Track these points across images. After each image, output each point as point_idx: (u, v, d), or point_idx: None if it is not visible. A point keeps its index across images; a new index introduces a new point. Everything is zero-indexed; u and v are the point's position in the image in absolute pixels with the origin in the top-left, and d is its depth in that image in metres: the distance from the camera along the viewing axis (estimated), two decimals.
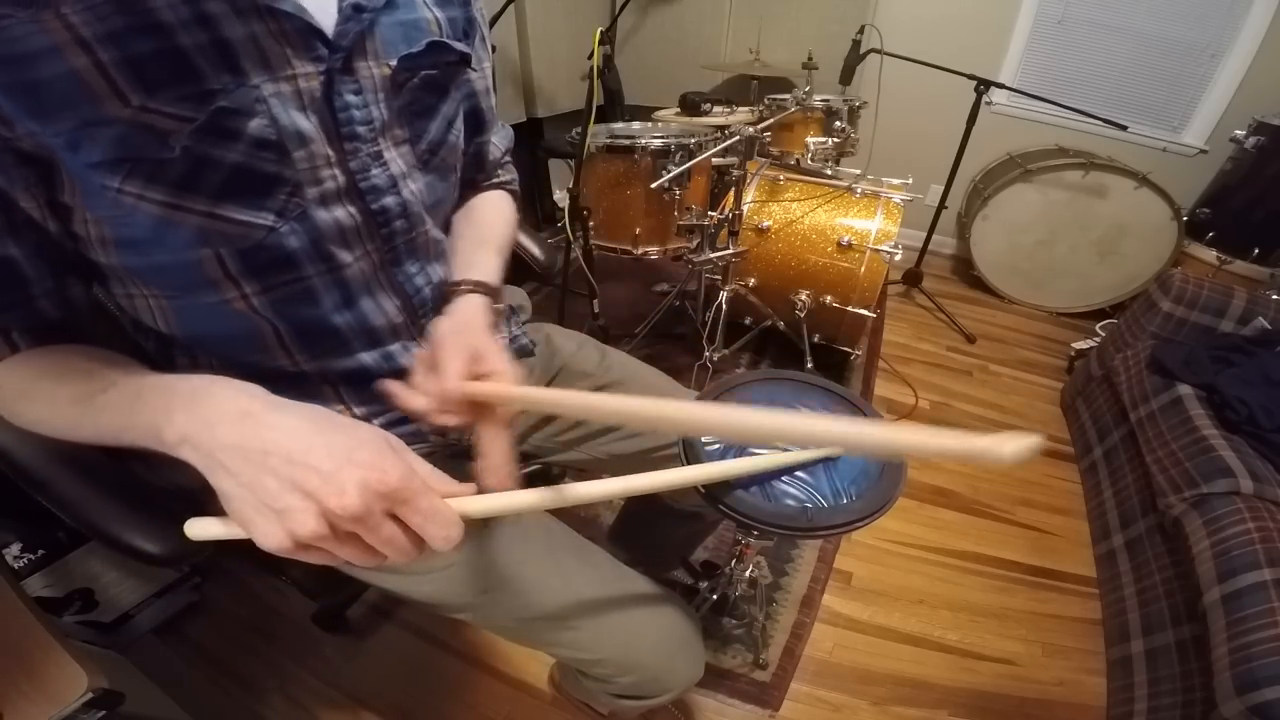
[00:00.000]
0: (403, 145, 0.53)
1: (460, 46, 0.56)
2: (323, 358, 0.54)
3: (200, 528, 0.36)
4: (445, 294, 0.59)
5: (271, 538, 0.33)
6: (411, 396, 0.48)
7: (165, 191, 0.41)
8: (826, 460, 0.58)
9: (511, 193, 0.77)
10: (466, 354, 0.49)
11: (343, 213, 0.50)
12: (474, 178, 0.73)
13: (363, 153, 0.50)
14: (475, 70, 0.62)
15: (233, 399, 0.37)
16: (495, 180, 0.75)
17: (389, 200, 0.52)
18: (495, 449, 0.46)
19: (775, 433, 0.47)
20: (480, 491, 0.40)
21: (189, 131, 0.40)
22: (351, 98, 0.48)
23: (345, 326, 0.53)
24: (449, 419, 0.47)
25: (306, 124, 0.45)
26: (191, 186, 0.42)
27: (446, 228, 0.64)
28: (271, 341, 0.51)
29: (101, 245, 0.45)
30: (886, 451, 0.52)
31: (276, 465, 0.34)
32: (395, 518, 0.36)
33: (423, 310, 0.59)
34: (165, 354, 0.53)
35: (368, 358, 0.56)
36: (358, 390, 0.57)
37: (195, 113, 0.40)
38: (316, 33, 0.44)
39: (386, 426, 0.61)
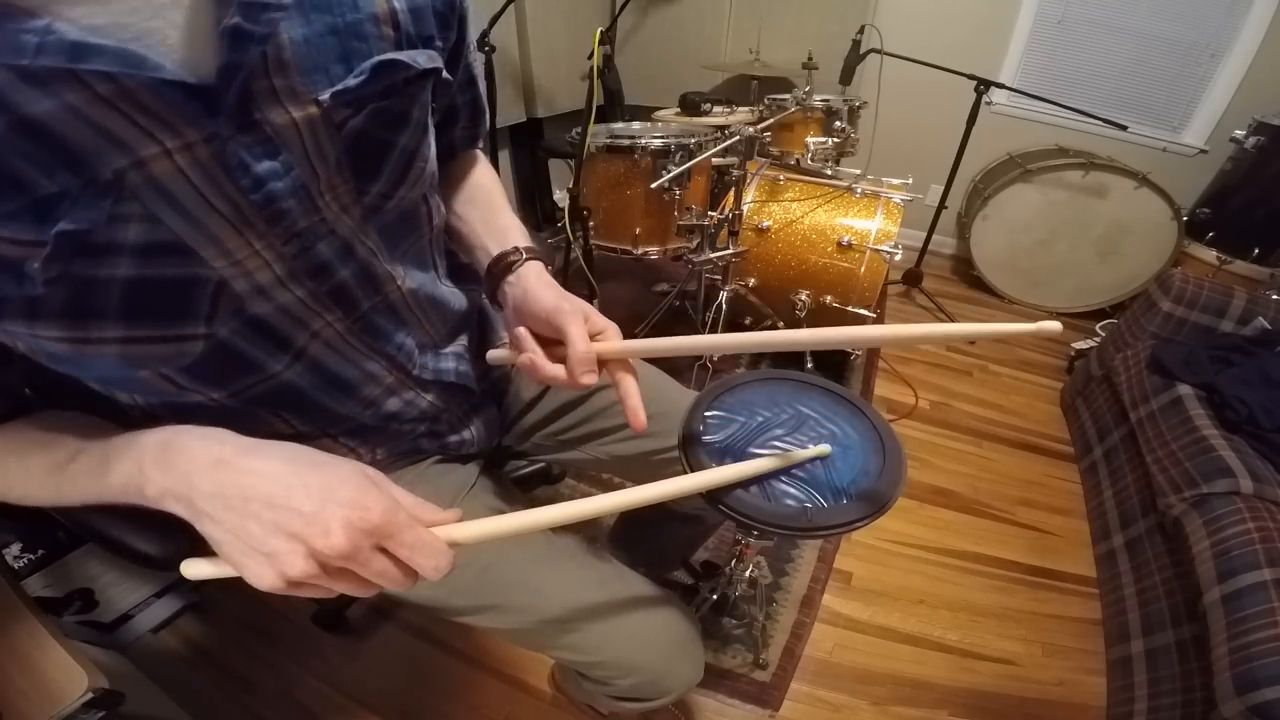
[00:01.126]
0: (345, 196, 0.43)
1: (423, 61, 0.43)
2: (322, 426, 0.53)
3: (196, 568, 0.36)
4: (504, 265, 0.56)
5: (264, 579, 0.33)
6: (547, 366, 0.50)
7: (58, 327, 0.33)
8: (821, 459, 0.58)
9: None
10: (581, 319, 0.49)
11: (289, 298, 0.42)
12: (467, 150, 0.69)
13: (300, 228, 0.40)
14: (470, 54, 0.55)
15: (204, 448, 0.35)
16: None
17: (344, 275, 0.45)
18: (631, 391, 0.50)
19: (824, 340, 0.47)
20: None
21: (42, 260, 0.30)
22: (265, 164, 0.36)
23: (337, 403, 0.51)
24: (590, 378, 0.48)
25: (204, 212, 0.35)
26: (87, 315, 0.33)
27: (419, 262, 0.57)
28: (265, 417, 0.49)
29: (36, 355, 0.37)
30: (930, 341, 0.52)
31: (258, 510, 0.33)
32: (384, 550, 0.35)
33: (411, 364, 0.56)
34: (155, 424, 0.49)
35: (370, 421, 0.55)
36: (361, 441, 0.57)
37: (37, 235, 0.29)
38: (180, 86, 0.31)
39: (397, 455, 0.62)
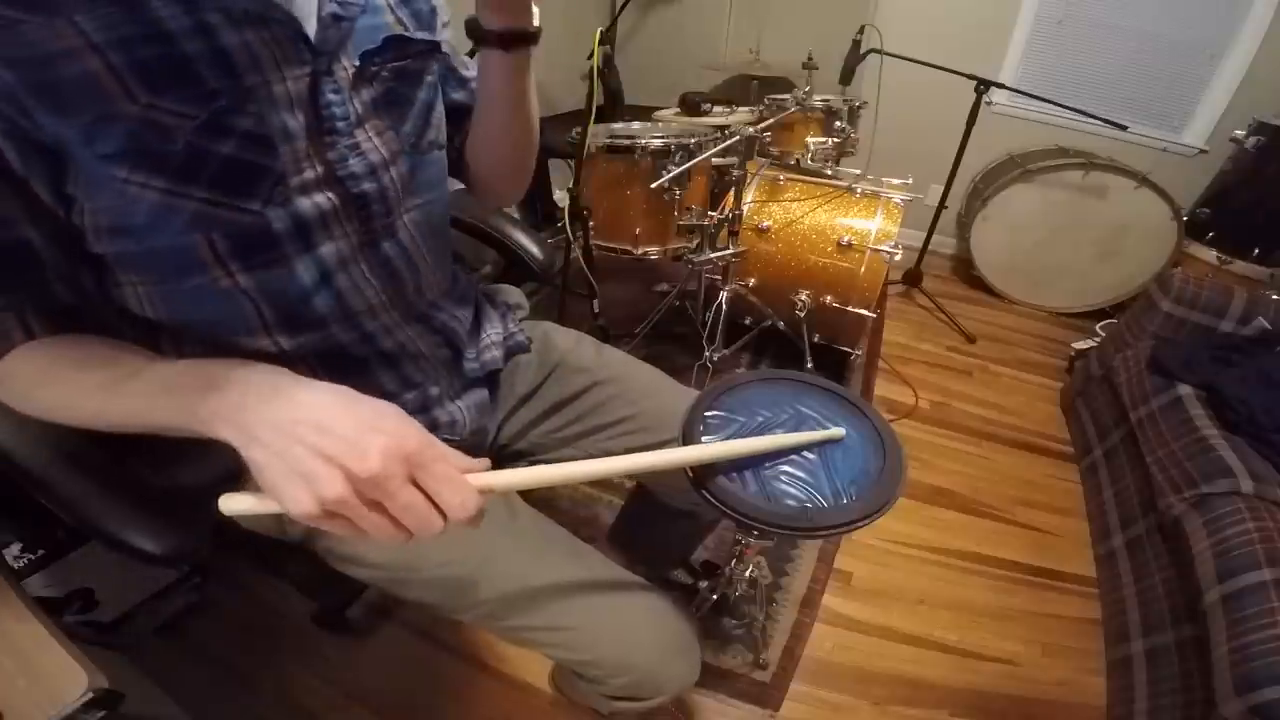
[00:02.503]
0: (386, 133, 0.57)
1: (423, 35, 0.59)
2: (302, 335, 0.56)
3: (232, 503, 0.38)
4: None
5: (300, 503, 0.36)
6: None
7: (167, 181, 0.44)
8: (829, 442, 0.58)
9: None
10: None
11: (322, 198, 0.52)
12: None
13: (340, 144, 0.53)
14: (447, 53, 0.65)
15: (263, 377, 0.41)
16: None
17: (367, 186, 0.55)
18: None
19: None
20: None
21: (191, 128, 0.43)
22: (332, 96, 0.52)
23: (323, 304, 0.55)
24: None
25: (294, 122, 0.49)
26: (190, 177, 0.45)
27: (439, 212, 0.65)
28: (253, 321, 0.53)
29: (97, 234, 0.46)
30: None
31: (305, 433, 0.37)
32: (415, 486, 0.38)
33: (403, 294, 0.61)
34: (151, 341, 0.53)
35: (345, 337, 0.58)
36: (336, 374, 0.58)
37: (197, 111, 0.43)
38: (304, 39, 0.48)
39: None
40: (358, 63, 0.54)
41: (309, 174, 0.51)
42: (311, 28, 0.49)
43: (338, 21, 0.51)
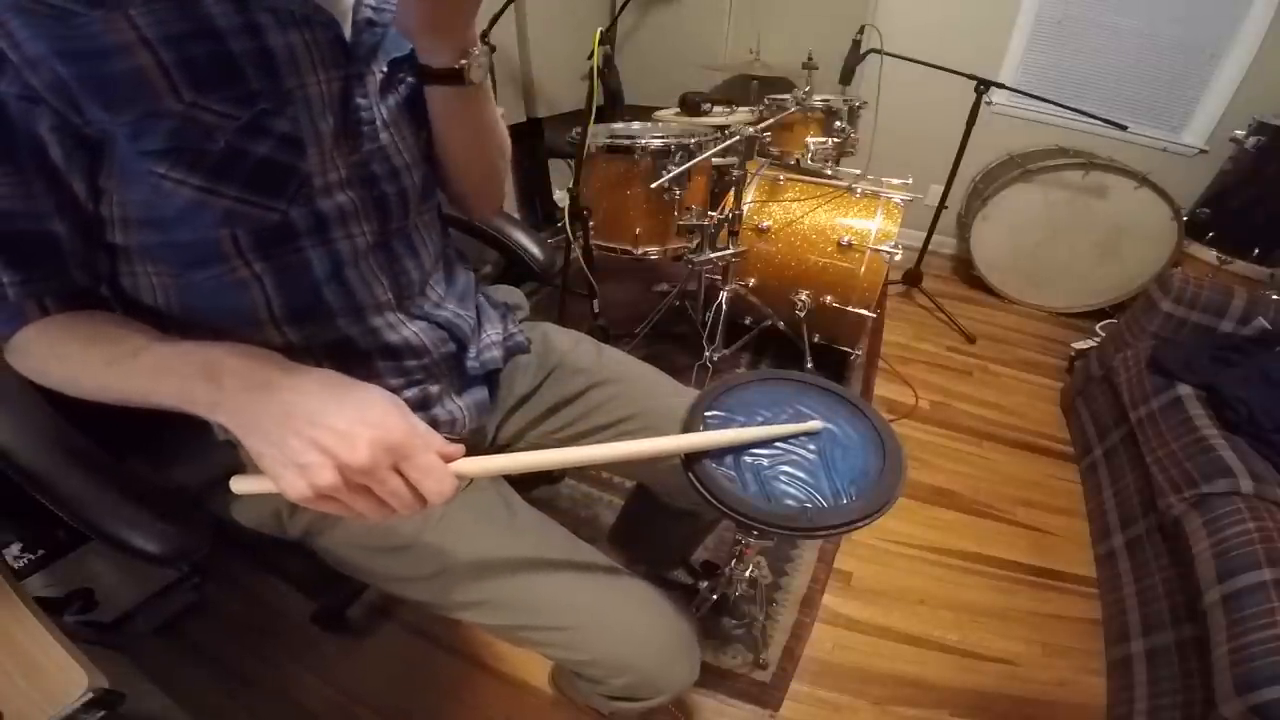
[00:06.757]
0: (408, 138, 0.58)
1: None
2: (309, 327, 0.56)
3: (242, 484, 0.41)
4: None
5: (296, 489, 0.39)
6: None
7: (203, 178, 0.45)
8: (816, 445, 0.59)
9: None
10: None
11: (344, 198, 0.54)
12: None
13: (365, 148, 0.54)
14: None
15: (255, 367, 0.43)
16: None
17: (387, 188, 0.57)
18: None
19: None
20: None
21: (232, 129, 0.45)
22: (362, 100, 0.53)
23: (332, 297, 0.56)
24: None
25: (325, 125, 0.51)
26: (225, 175, 0.46)
27: (437, 216, 0.69)
28: (263, 314, 0.54)
29: (123, 226, 0.47)
30: None
31: (299, 426, 0.39)
32: (399, 473, 0.41)
33: (410, 293, 0.62)
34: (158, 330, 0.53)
35: (351, 330, 0.58)
36: (340, 366, 0.58)
37: (239, 111, 0.45)
38: (343, 43, 0.50)
39: None
40: (385, 69, 0.55)
41: (333, 175, 0.53)
42: (347, 32, 0.51)
43: (371, 26, 0.53)
